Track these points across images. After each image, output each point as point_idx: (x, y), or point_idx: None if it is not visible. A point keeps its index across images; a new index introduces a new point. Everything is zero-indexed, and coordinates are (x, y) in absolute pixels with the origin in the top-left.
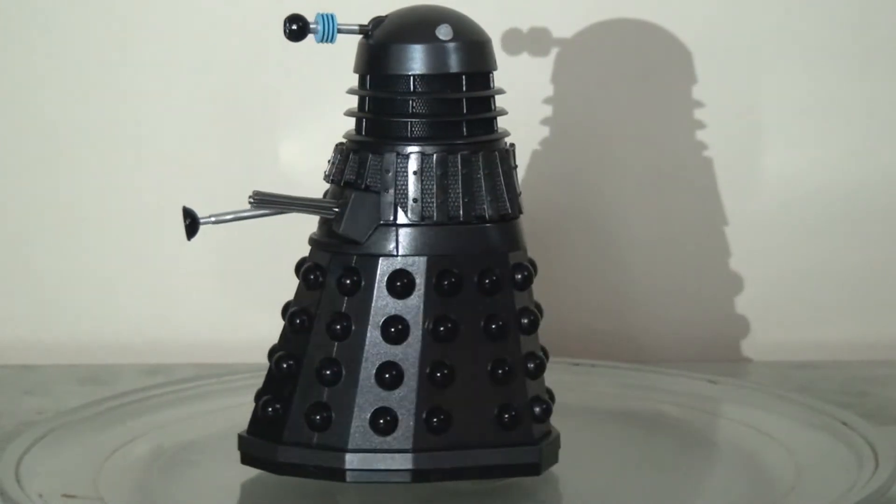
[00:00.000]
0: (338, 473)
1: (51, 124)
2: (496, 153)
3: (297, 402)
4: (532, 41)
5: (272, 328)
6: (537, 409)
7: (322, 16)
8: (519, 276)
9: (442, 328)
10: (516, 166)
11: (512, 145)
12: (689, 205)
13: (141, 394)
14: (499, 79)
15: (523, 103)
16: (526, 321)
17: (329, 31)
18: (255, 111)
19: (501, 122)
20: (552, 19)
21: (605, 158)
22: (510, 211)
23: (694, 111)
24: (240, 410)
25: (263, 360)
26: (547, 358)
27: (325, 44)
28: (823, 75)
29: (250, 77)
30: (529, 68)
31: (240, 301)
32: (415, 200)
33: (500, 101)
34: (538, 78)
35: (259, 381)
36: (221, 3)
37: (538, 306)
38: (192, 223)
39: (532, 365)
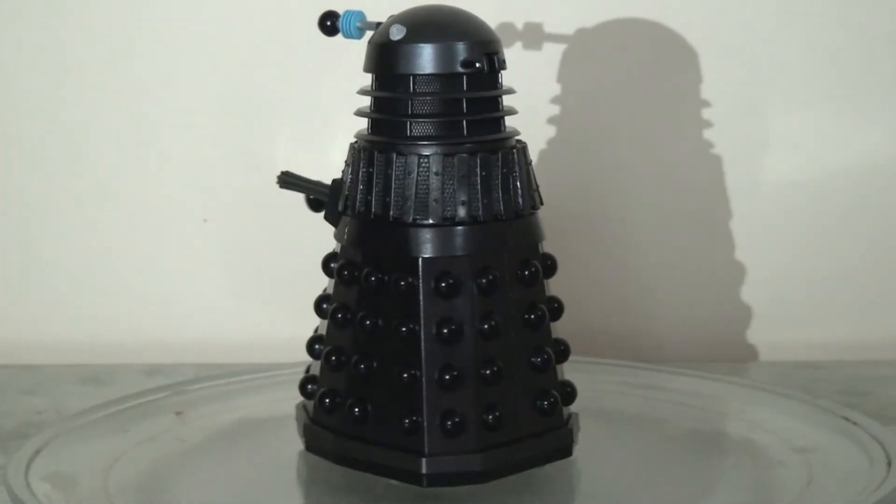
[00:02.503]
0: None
1: (52, 125)
2: (479, 155)
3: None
4: (535, 40)
5: (273, 328)
6: (490, 418)
7: (345, 13)
8: (450, 283)
9: (368, 322)
10: (521, 167)
11: (520, 142)
12: (692, 204)
13: (152, 395)
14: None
15: (527, 102)
16: (487, 327)
17: (348, 27)
18: (256, 111)
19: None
20: (555, 19)
21: (608, 158)
22: (481, 214)
23: (697, 111)
24: (247, 410)
25: (264, 360)
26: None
27: (352, 40)
28: (826, 75)
29: (251, 77)
30: (533, 68)
31: (241, 301)
32: (363, 195)
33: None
34: (541, 77)
35: (264, 382)
36: (223, 4)
37: (499, 312)
38: (318, 202)
39: (489, 371)
